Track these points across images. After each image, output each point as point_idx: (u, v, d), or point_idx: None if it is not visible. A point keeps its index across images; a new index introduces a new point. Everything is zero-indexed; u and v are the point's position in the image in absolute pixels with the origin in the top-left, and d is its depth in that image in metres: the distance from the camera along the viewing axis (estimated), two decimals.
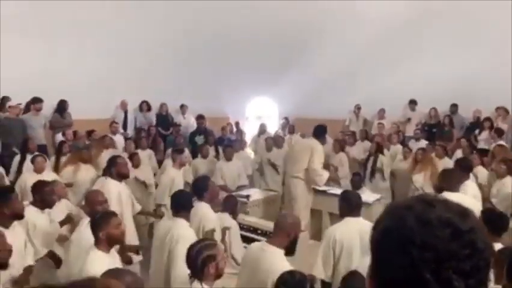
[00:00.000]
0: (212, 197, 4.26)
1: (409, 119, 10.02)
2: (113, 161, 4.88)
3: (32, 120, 7.74)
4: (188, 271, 2.78)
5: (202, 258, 2.69)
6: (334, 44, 10.01)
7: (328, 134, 8.71)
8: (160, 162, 7.94)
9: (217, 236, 4.04)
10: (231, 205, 4.83)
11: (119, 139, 8.36)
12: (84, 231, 3.48)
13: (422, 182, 6.87)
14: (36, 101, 7.81)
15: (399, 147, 8.25)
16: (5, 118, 7.47)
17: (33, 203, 3.99)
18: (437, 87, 9.28)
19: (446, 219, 0.84)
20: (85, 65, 8.58)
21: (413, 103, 10.10)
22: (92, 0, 7.90)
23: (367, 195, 5.78)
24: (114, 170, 4.75)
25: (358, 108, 10.63)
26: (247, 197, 6.30)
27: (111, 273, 2.20)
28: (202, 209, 4.08)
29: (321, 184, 5.93)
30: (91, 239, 3.11)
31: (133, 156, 6.86)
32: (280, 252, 3.04)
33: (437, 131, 9.35)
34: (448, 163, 7.03)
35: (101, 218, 3.02)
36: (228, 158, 7.59)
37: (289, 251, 3.12)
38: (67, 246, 3.65)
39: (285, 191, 6.34)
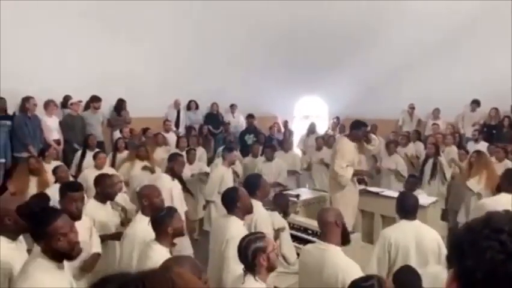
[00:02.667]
0: (263, 195, 4.23)
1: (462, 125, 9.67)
2: (173, 157, 5.00)
3: (90, 117, 8.08)
4: (241, 269, 2.79)
5: (252, 250, 2.69)
6: (387, 42, 9.76)
7: (380, 135, 8.58)
8: (210, 160, 8.09)
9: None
10: (282, 204, 4.83)
11: (171, 137, 8.60)
12: (138, 226, 3.58)
13: (478, 187, 6.56)
14: (95, 99, 8.16)
15: (454, 149, 7.93)
16: (67, 115, 7.88)
17: (96, 197, 4.09)
18: (496, 86, 8.83)
19: None
20: (141, 66, 8.88)
21: (475, 103, 9.66)
22: (147, 1, 8.16)
23: (423, 197, 5.58)
24: (170, 165, 4.87)
25: (412, 107, 10.29)
26: (297, 196, 6.28)
27: (171, 260, 2.25)
28: (255, 207, 4.02)
29: (344, 184, 5.50)
30: (146, 234, 3.19)
31: (189, 152, 7.08)
32: (339, 249, 3.03)
33: (496, 132, 8.90)
34: (508, 166, 6.67)
35: (167, 214, 3.08)
36: (268, 158, 7.61)
37: (344, 240, 3.14)
38: (120, 241, 3.76)
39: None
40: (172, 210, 3.15)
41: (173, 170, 4.94)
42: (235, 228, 3.53)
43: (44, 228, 2.33)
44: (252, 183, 4.23)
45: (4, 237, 2.66)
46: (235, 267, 3.04)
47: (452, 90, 9.47)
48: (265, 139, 9.10)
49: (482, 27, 8.75)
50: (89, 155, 6.64)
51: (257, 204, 4.05)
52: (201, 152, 8.09)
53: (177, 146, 7.76)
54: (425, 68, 9.83)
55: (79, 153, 6.98)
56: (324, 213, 3.21)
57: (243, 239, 2.81)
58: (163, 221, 3.04)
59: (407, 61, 9.74)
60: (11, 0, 6.83)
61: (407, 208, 3.62)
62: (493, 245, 0.90)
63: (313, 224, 5.25)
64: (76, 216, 3.24)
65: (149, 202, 3.75)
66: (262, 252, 2.71)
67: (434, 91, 9.76)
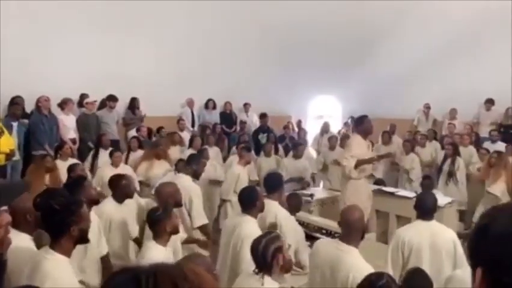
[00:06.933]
0: (282, 195, 4.20)
1: (478, 123, 9.56)
2: (196, 158, 4.99)
3: (106, 116, 8.15)
4: (253, 268, 2.76)
5: (272, 251, 2.66)
6: (401, 42, 9.66)
7: (396, 134, 8.49)
8: (224, 160, 8.07)
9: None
10: (295, 205, 4.78)
11: (185, 136, 8.61)
12: None
13: (500, 189, 6.44)
14: (111, 98, 8.23)
15: (471, 149, 7.81)
16: (82, 114, 7.95)
17: (113, 196, 4.05)
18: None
19: None
20: (154, 64, 8.92)
21: (489, 102, 9.50)
22: (161, 0, 8.19)
23: (439, 198, 5.50)
24: (194, 168, 4.85)
25: (427, 107, 10.18)
26: (311, 195, 6.25)
27: (186, 258, 2.26)
28: (275, 207, 3.99)
29: (348, 175, 5.44)
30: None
31: (202, 152, 7.03)
32: (357, 251, 2.97)
33: None
34: None
35: (164, 212, 3.11)
36: (298, 156, 7.58)
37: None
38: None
39: None
40: (168, 208, 3.19)
41: (196, 172, 4.94)
42: (250, 227, 3.51)
43: (75, 212, 2.38)
44: (273, 183, 4.19)
45: (27, 234, 2.68)
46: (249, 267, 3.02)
47: (469, 90, 9.34)
48: (275, 138, 9.07)
49: (500, 25, 8.59)
50: (104, 153, 6.68)
51: (274, 205, 4.00)
52: (215, 151, 8.07)
53: (191, 145, 7.65)
54: (441, 67, 9.70)
55: (93, 152, 6.99)
56: (350, 213, 3.09)
57: (260, 239, 2.78)
58: (159, 220, 3.09)
59: (422, 61, 9.62)
60: (28, 0, 6.91)
61: (425, 208, 3.59)
62: None
63: (327, 223, 5.23)
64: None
65: (163, 200, 3.77)
66: (280, 252, 2.69)
67: (450, 91, 9.64)
